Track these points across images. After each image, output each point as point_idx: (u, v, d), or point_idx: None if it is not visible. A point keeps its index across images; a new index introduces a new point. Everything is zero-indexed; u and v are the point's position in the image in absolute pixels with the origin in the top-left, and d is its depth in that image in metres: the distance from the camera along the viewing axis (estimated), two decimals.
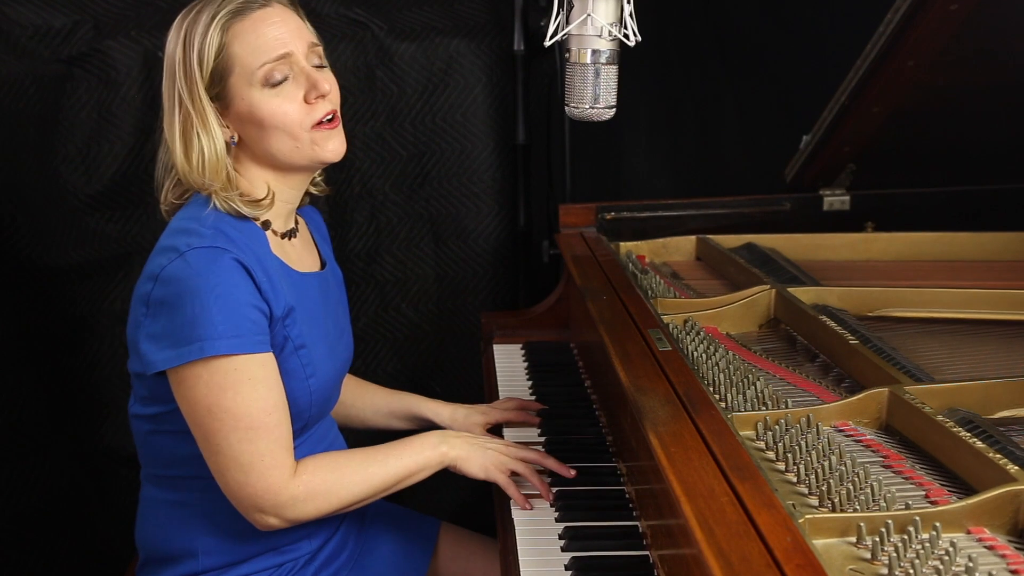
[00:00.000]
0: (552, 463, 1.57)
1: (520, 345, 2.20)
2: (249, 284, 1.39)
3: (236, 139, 1.47)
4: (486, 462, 1.53)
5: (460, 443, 1.54)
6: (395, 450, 1.52)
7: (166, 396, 1.43)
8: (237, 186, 1.47)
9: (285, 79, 1.44)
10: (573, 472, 1.56)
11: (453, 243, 2.64)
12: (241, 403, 1.38)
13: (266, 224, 1.51)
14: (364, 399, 1.83)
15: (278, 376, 1.43)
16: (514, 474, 1.55)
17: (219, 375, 1.36)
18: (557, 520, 1.46)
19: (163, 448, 1.51)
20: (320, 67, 1.49)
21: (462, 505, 2.64)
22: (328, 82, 1.47)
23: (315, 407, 1.53)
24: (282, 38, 1.44)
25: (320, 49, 1.50)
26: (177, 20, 1.46)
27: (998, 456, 1.17)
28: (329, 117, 1.47)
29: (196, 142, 1.43)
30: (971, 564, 1.00)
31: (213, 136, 1.43)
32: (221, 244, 1.38)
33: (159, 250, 1.41)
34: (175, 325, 1.36)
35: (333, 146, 1.48)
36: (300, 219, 1.64)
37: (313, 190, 1.65)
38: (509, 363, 2.11)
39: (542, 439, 1.73)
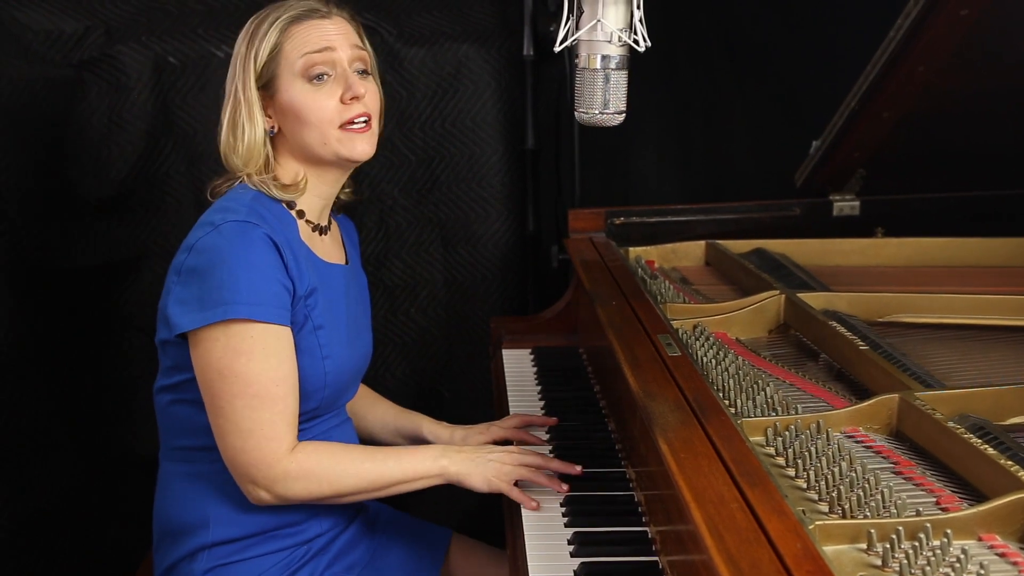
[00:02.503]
0: (556, 464, 1.57)
1: (529, 350, 2.20)
2: (277, 259, 1.46)
3: (276, 129, 1.57)
4: (487, 475, 1.54)
5: (461, 459, 1.55)
6: (395, 453, 1.55)
7: (188, 363, 1.49)
8: (274, 174, 1.56)
9: (326, 76, 1.53)
10: (579, 468, 1.56)
11: (462, 248, 2.64)
12: (253, 369, 1.43)
13: (300, 213, 1.59)
14: (375, 412, 1.85)
15: (293, 354, 1.49)
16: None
17: (236, 339, 1.42)
18: (566, 526, 1.46)
19: (181, 418, 1.56)
20: (364, 73, 1.58)
21: (471, 511, 2.63)
22: (366, 88, 1.55)
23: (328, 391, 1.55)
24: (327, 36, 1.54)
25: (366, 56, 1.59)
26: (248, 22, 1.58)
27: (1009, 463, 1.16)
28: (363, 120, 1.54)
29: (240, 129, 1.54)
30: (982, 571, 1.00)
31: (255, 125, 1.54)
32: (254, 220, 1.46)
33: (198, 225, 1.50)
34: (203, 290, 1.43)
35: (360, 147, 1.55)
36: (334, 222, 1.72)
37: (341, 195, 1.72)
38: (518, 368, 2.11)
39: (551, 444, 1.73)
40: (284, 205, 1.56)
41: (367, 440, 1.85)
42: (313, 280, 1.53)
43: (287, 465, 1.46)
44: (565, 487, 1.54)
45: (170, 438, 1.60)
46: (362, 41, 1.60)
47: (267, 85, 1.54)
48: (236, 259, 1.42)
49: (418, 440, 1.82)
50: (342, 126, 1.53)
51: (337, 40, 1.54)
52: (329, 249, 1.65)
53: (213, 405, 1.45)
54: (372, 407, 1.86)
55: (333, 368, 1.55)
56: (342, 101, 1.53)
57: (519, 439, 1.75)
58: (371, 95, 1.56)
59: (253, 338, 1.43)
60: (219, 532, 1.54)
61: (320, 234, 1.63)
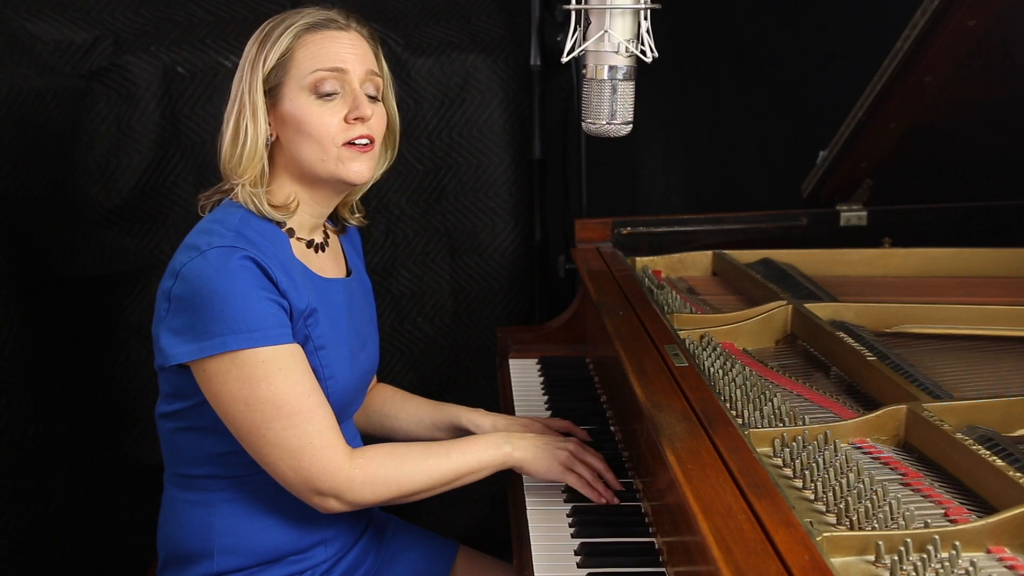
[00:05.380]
0: (611, 477, 1.56)
1: (536, 360, 2.20)
2: (266, 281, 1.42)
3: (273, 137, 1.51)
4: (552, 462, 1.52)
5: (525, 444, 1.54)
6: (458, 446, 1.53)
7: (188, 392, 1.47)
8: (267, 188, 1.52)
9: (334, 94, 1.49)
10: (616, 500, 1.54)
11: (469, 257, 2.64)
12: (278, 391, 1.40)
13: (291, 232, 1.54)
14: (407, 411, 1.81)
15: (308, 365, 1.46)
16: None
17: (248, 368, 1.39)
18: (573, 536, 1.46)
19: (184, 447, 1.53)
20: (374, 99, 1.53)
21: (478, 520, 2.63)
22: (374, 111, 1.51)
23: (333, 410, 1.53)
24: (342, 55, 1.50)
25: (379, 81, 1.55)
26: (262, 25, 1.53)
27: (1018, 474, 1.16)
28: (363, 141, 1.50)
29: (243, 132, 1.48)
30: None
31: (258, 129, 1.49)
32: (240, 244, 1.42)
33: (183, 247, 1.46)
34: (195, 320, 1.39)
35: (357, 167, 1.51)
36: (332, 234, 1.67)
37: (351, 220, 1.70)
38: (525, 378, 2.11)
39: None
40: (275, 224, 1.52)
41: (404, 439, 1.82)
42: (313, 299, 1.49)
43: (351, 472, 1.44)
44: (615, 499, 1.53)
45: (173, 464, 1.57)
46: (378, 64, 1.56)
47: (271, 91, 1.50)
48: (226, 288, 1.38)
49: (458, 430, 1.78)
50: (344, 144, 1.49)
51: (351, 61, 1.50)
52: (327, 264, 1.61)
53: (253, 435, 1.42)
54: (403, 406, 1.82)
55: (335, 388, 1.52)
56: (346, 120, 1.49)
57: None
58: (377, 118, 1.53)
59: (266, 363, 1.40)
60: (224, 562, 1.53)
61: (316, 251, 1.59)
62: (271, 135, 1.51)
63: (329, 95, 1.48)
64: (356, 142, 1.49)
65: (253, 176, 1.50)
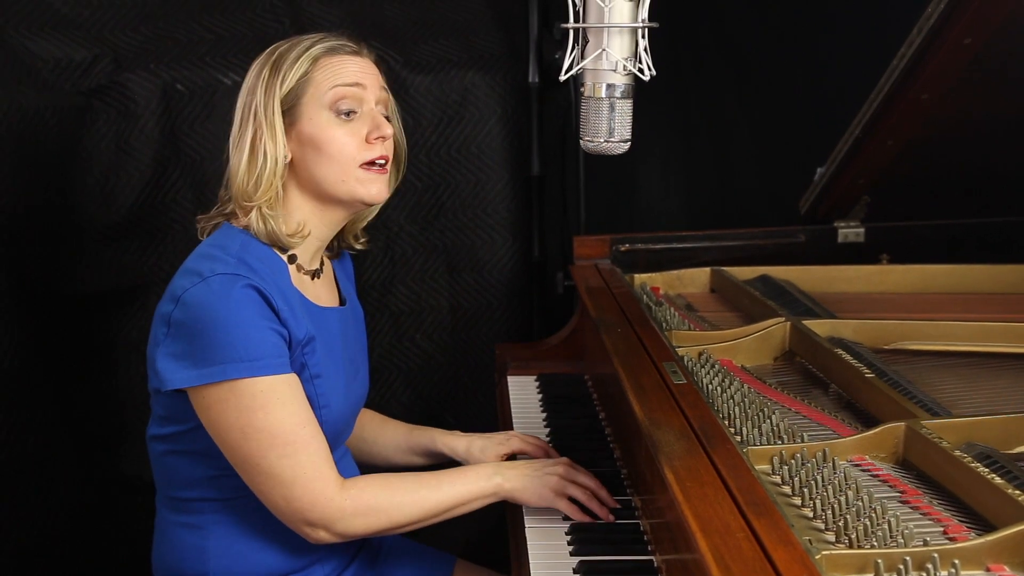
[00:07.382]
0: (605, 494, 1.55)
1: (534, 377, 2.20)
2: (267, 310, 1.42)
3: (289, 158, 1.51)
4: (543, 490, 1.52)
5: (515, 474, 1.53)
6: (448, 477, 1.53)
7: (182, 416, 1.46)
8: (281, 209, 1.52)
9: (354, 113, 1.51)
10: (612, 517, 1.54)
11: (467, 274, 2.64)
12: (274, 421, 1.40)
13: (292, 258, 1.54)
14: (386, 436, 1.82)
15: (303, 395, 1.46)
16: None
17: (247, 397, 1.39)
18: (572, 554, 1.45)
19: (177, 470, 1.53)
20: (386, 117, 1.56)
21: (476, 535, 2.62)
22: (392, 130, 1.55)
23: (326, 438, 1.53)
24: (359, 73, 1.53)
25: (388, 101, 1.58)
26: (269, 49, 1.54)
27: (1017, 492, 1.16)
28: (381, 162, 1.53)
29: (262, 153, 1.48)
30: None
31: (278, 148, 1.49)
32: (243, 272, 1.42)
33: (183, 272, 1.45)
34: (196, 347, 1.39)
35: (376, 189, 1.53)
36: (326, 261, 1.67)
37: (356, 245, 1.71)
38: (523, 395, 2.11)
39: None
40: (276, 250, 1.51)
41: (384, 465, 1.82)
42: (310, 328, 1.49)
43: (342, 503, 1.44)
44: (611, 516, 1.53)
45: (167, 488, 1.56)
46: (384, 85, 1.59)
47: (288, 111, 1.50)
48: (228, 316, 1.38)
49: (434, 454, 1.79)
50: (363, 165, 1.51)
51: (368, 79, 1.53)
52: (322, 292, 1.61)
53: (247, 463, 1.42)
54: (382, 431, 1.83)
55: (329, 416, 1.52)
56: (367, 140, 1.51)
57: (536, 455, 1.72)
58: (391, 136, 1.56)
59: (264, 392, 1.40)
60: None
61: (312, 278, 1.59)
62: (287, 156, 1.51)
63: (348, 114, 1.51)
64: (376, 162, 1.52)
65: (269, 198, 1.49)
